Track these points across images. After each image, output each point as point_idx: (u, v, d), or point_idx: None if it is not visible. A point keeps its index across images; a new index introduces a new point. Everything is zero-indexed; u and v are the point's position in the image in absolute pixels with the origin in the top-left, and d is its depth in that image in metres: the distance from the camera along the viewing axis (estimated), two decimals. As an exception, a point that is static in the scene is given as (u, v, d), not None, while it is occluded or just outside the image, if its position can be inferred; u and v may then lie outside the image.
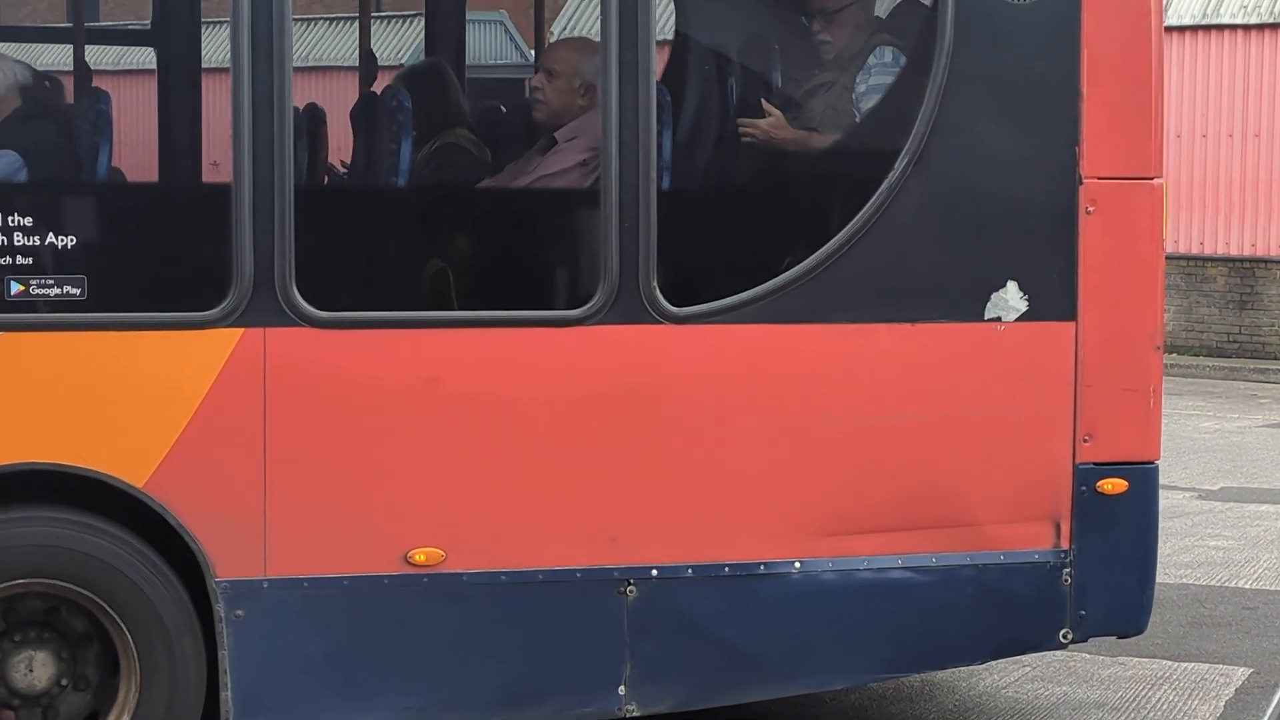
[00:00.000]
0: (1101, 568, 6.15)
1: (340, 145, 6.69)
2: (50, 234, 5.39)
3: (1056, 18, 5.96)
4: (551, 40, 6.29)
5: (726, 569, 5.91)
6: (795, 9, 6.60)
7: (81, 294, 5.40)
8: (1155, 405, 6.19)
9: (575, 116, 6.08)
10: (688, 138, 6.16)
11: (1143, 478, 6.19)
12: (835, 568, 5.99)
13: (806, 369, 5.92)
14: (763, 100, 6.13)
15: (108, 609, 5.48)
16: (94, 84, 7.09)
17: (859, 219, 5.88)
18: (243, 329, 5.48)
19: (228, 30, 5.45)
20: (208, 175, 6.27)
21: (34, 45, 7.38)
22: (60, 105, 6.53)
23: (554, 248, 6.05)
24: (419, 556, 5.67)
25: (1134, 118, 6.06)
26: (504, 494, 5.73)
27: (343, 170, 6.66)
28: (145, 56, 7.21)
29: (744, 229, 6.13)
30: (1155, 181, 6.11)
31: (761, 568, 5.94)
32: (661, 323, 5.76)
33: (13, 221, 5.35)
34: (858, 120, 6.15)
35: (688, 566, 5.88)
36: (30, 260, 5.36)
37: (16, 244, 5.35)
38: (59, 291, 5.40)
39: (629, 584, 5.83)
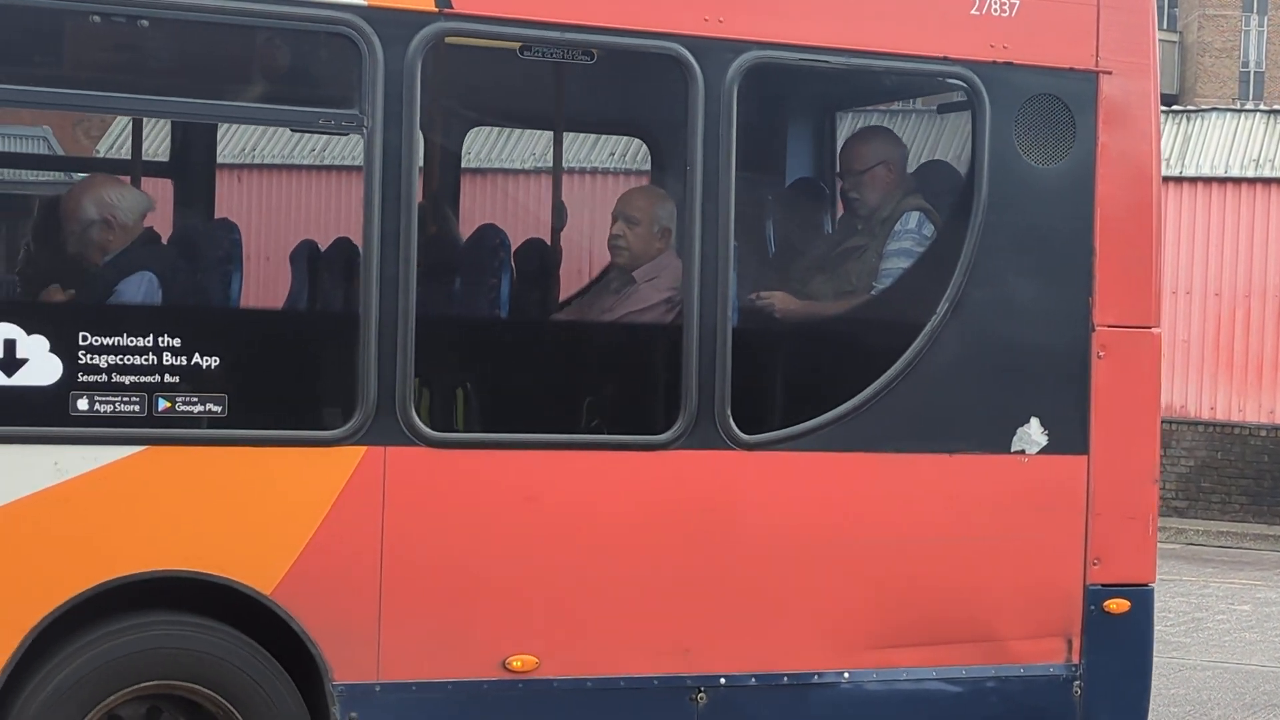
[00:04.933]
0: (1107, 681, 6.79)
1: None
2: (196, 355, 5.72)
3: (1075, 182, 6.69)
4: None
5: (785, 678, 6.41)
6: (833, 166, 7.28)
7: (222, 411, 5.75)
8: (1153, 532, 6.88)
9: (653, 258, 6.59)
10: (754, 281, 6.72)
11: (1142, 598, 6.86)
12: (880, 678, 6.53)
13: (858, 493, 6.49)
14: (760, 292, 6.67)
15: (230, 707, 5.75)
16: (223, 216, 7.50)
17: (905, 358, 6.51)
18: (366, 447, 5.87)
19: (361, 175, 5.88)
20: (340, 303, 6.64)
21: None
22: (191, 234, 6.86)
23: (640, 378, 6.54)
24: (515, 663, 6.07)
25: (1138, 273, 6.79)
26: (592, 605, 6.17)
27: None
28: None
29: (805, 366, 6.71)
30: (1154, 330, 6.83)
31: (815, 677, 6.45)
32: (734, 449, 6.28)
33: (162, 342, 5.68)
34: (899, 273, 6.77)
35: (751, 676, 6.36)
36: (177, 379, 5.70)
37: (165, 363, 5.68)
38: (202, 409, 5.74)
39: (700, 691, 6.29)
